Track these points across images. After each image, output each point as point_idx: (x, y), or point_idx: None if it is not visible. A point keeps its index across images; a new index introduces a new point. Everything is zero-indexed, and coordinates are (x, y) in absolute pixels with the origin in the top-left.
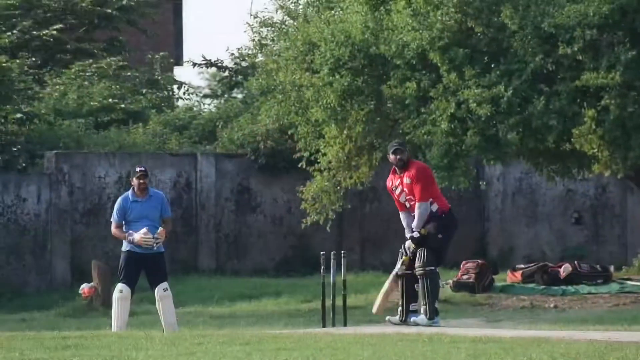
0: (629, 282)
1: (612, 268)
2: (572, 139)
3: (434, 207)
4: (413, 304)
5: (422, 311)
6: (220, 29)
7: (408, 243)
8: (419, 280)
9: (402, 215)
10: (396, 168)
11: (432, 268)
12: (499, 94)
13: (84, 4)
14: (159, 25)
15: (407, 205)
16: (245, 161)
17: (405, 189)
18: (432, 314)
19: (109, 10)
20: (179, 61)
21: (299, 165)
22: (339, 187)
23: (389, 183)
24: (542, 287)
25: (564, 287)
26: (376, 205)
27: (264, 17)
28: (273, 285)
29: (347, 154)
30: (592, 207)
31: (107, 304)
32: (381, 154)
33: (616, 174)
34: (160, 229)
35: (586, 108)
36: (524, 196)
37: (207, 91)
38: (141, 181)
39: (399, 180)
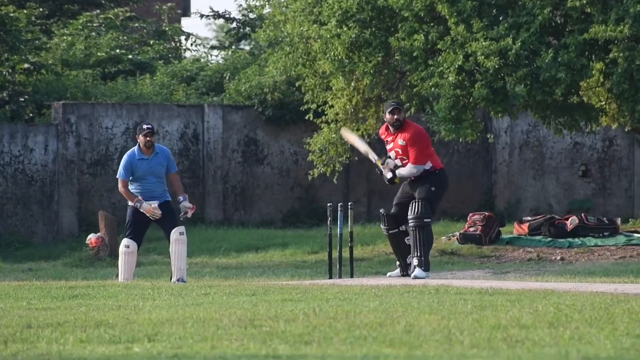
0: (635, 234)
1: (618, 221)
2: (580, 92)
3: (428, 165)
4: (409, 257)
5: (415, 262)
6: None
7: (392, 163)
8: (412, 233)
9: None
10: (390, 127)
11: (428, 220)
12: (507, 46)
13: None
14: None
15: (399, 164)
16: (253, 113)
17: (397, 149)
18: (427, 265)
19: None
20: (186, 12)
21: (306, 117)
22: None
23: (382, 135)
24: (549, 239)
25: (570, 239)
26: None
27: None
28: (280, 236)
29: (355, 106)
30: (599, 160)
31: (114, 254)
32: None
33: (624, 126)
34: (189, 212)
35: (594, 61)
36: (531, 149)
37: (214, 42)
38: (148, 139)
39: (391, 138)
